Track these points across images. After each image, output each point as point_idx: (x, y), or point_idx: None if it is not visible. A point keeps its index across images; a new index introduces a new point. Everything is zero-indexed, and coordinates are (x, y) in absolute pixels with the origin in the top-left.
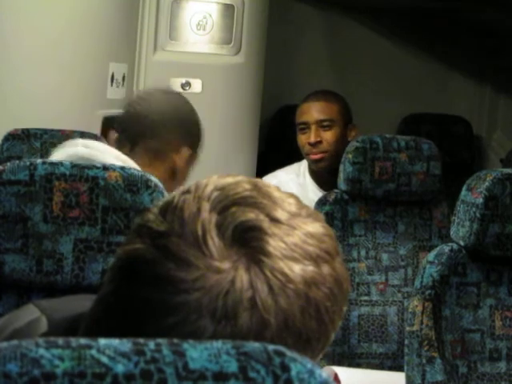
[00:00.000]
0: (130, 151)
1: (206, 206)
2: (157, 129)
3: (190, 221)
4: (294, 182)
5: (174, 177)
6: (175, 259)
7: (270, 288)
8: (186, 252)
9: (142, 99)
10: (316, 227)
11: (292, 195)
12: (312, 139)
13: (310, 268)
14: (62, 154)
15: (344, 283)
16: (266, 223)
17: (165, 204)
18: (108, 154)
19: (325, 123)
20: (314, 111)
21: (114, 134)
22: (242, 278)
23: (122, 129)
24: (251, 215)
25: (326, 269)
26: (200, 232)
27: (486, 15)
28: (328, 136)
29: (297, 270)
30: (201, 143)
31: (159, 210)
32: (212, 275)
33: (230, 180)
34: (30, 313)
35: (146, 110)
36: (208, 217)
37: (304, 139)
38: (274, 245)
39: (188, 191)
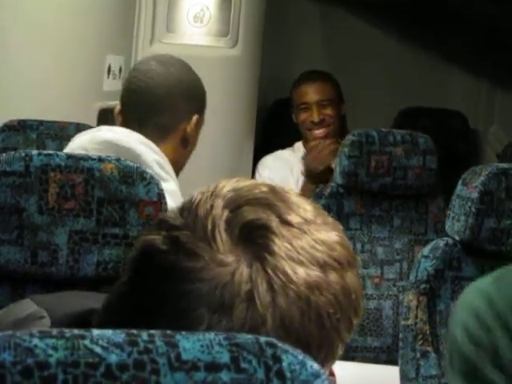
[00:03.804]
0: (139, 131)
1: (219, 204)
2: (164, 104)
3: (203, 216)
4: (291, 157)
5: (187, 145)
6: (184, 251)
7: (270, 285)
8: (195, 245)
9: (142, 75)
10: (330, 236)
11: (311, 203)
12: (316, 119)
13: (315, 273)
14: (84, 138)
15: (353, 294)
16: (274, 223)
17: (184, 202)
18: (134, 140)
19: (324, 102)
20: (313, 92)
21: (119, 117)
22: (243, 271)
23: (128, 109)
24: (262, 215)
25: (333, 276)
26: (210, 227)
27: (484, 10)
28: (329, 111)
29: (300, 272)
30: (205, 104)
31: (178, 208)
32: (214, 267)
33: (248, 183)
34: (28, 306)
35: (150, 86)
36: (220, 213)
37: (306, 117)
38: (280, 245)
39: (207, 191)
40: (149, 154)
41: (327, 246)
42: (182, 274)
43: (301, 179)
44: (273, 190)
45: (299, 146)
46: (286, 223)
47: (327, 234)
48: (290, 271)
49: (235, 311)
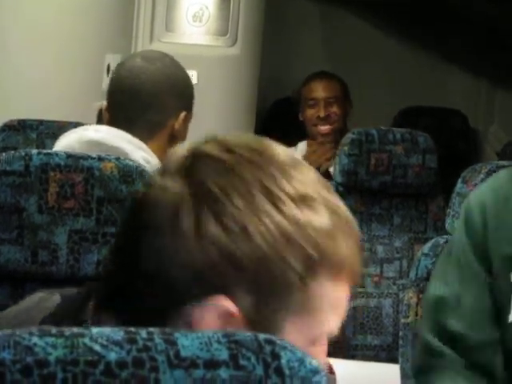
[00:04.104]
0: (127, 129)
1: (187, 146)
2: (150, 100)
3: (169, 157)
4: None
5: (175, 141)
6: (149, 186)
7: (196, 207)
8: (154, 180)
9: (127, 71)
10: (290, 172)
11: (296, 158)
12: (322, 113)
13: (252, 198)
14: (72, 137)
15: (306, 227)
16: (217, 152)
17: None
18: (120, 138)
19: (331, 100)
20: (321, 89)
21: (106, 115)
22: (174, 191)
23: (114, 107)
24: (215, 149)
25: (281, 205)
26: (170, 164)
27: (484, 10)
28: (335, 109)
29: (233, 195)
30: (193, 100)
31: None
32: (153, 191)
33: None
34: (39, 294)
35: (138, 84)
36: (183, 153)
37: (313, 113)
38: (214, 170)
39: None
40: (136, 152)
41: (275, 178)
42: (141, 204)
43: None
44: (259, 138)
45: (302, 146)
46: (231, 152)
47: (288, 172)
48: (221, 196)
49: (166, 229)
